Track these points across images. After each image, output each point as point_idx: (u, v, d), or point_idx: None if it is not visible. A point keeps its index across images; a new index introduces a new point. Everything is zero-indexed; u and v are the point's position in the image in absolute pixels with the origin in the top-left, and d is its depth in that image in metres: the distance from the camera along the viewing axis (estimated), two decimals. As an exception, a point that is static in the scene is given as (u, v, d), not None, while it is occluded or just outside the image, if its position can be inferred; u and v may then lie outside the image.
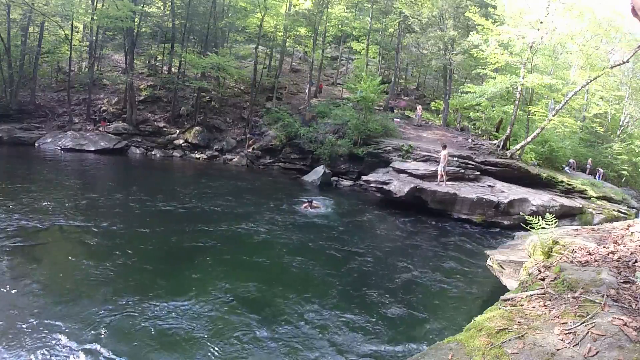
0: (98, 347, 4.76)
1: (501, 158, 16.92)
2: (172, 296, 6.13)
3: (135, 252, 7.88)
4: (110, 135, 21.97)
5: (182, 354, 4.83)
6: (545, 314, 2.74)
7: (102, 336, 4.98)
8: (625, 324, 2.36)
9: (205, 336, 5.18)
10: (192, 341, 5.07)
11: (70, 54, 24.23)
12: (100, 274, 6.69)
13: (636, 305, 2.62)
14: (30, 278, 6.33)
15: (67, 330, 5.00)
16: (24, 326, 5.01)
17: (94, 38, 25.35)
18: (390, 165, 16.65)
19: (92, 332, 5.04)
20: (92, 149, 20.61)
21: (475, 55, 19.13)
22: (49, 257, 7.31)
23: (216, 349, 4.94)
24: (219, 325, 5.48)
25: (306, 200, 13.20)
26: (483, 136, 20.75)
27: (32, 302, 5.62)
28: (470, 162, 15.96)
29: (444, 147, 14.75)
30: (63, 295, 5.94)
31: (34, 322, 5.10)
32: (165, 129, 23.61)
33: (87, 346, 4.75)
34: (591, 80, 17.14)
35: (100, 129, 22.41)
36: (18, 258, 7.04)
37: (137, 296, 6.02)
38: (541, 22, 16.15)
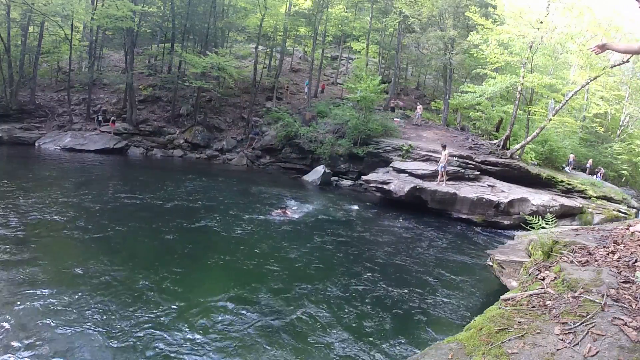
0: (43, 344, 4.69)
1: (501, 158, 16.91)
2: (128, 297, 6.01)
3: (114, 250, 7.83)
4: (110, 135, 21.98)
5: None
6: (545, 314, 2.74)
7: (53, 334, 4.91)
8: (625, 324, 2.36)
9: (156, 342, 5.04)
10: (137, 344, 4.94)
11: (70, 53, 24.21)
12: (71, 271, 6.64)
13: (636, 305, 2.62)
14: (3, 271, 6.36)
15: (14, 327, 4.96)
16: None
17: (94, 38, 25.33)
18: (390, 165, 16.66)
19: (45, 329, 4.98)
20: (92, 148, 20.59)
21: (475, 55, 19.16)
22: (27, 253, 7.23)
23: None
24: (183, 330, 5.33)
25: (280, 207, 12.31)
26: (483, 136, 20.74)
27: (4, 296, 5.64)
28: (470, 161, 15.96)
29: (444, 147, 14.76)
30: (23, 288, 5.91)
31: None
32: (165, 129, 23.60)
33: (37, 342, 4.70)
34: (591, 80, 17.14)
35: (104, 129, 22.37)
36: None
37: (102, 296, 5.94)
38: (541, 22, 16.16)
